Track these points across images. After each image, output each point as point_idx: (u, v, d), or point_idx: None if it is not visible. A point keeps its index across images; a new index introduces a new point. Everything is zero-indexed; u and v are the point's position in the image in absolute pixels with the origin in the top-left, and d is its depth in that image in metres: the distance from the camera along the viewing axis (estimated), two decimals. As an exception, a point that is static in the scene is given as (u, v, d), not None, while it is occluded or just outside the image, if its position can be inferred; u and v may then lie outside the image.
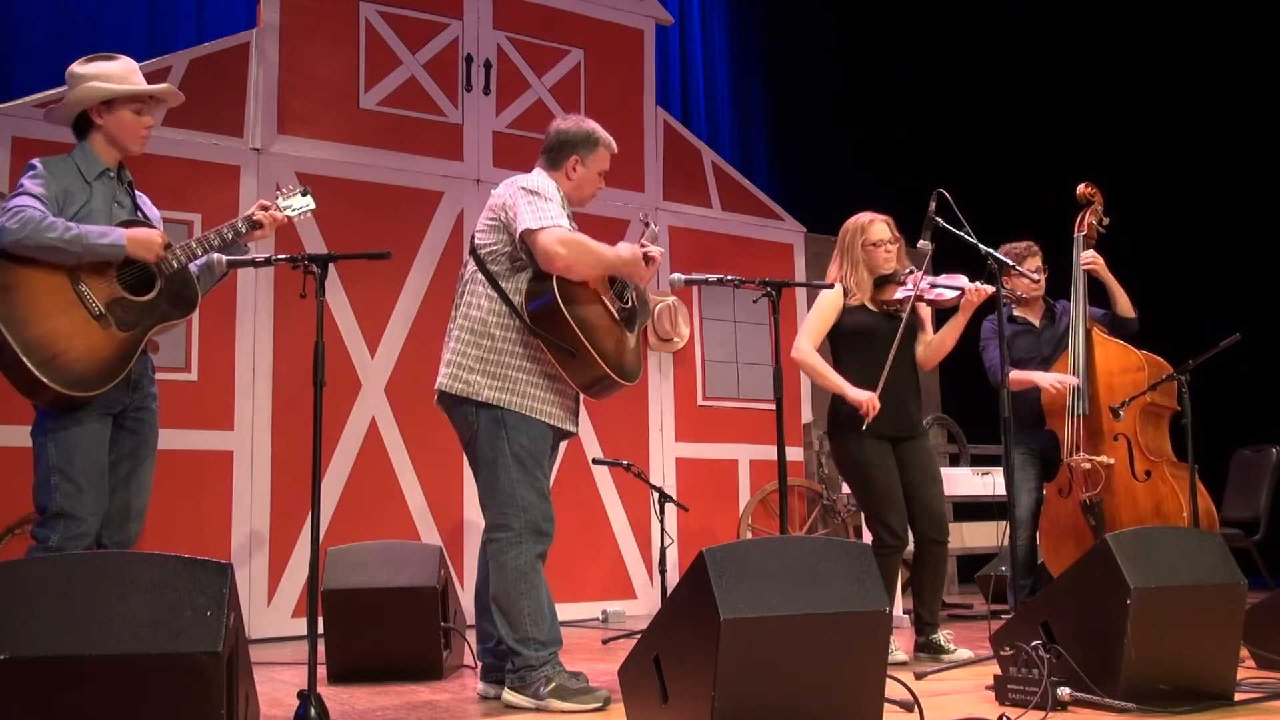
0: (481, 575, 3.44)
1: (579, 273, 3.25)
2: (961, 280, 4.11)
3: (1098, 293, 4.73)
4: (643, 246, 3.42)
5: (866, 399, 3.99)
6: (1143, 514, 4.34)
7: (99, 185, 3.20)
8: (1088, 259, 4.63)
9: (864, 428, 3.99)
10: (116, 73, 3.24)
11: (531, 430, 3.28)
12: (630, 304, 3.47)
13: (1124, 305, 4.67)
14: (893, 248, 4.24)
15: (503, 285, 3.31)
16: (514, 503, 3.23)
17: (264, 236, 3.45)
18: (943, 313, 4.27)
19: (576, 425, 3.48)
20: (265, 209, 3.42)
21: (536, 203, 3.26)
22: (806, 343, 4.19)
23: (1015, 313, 4.83)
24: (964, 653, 4.03)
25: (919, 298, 4.11)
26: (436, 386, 3.39)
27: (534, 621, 3.19)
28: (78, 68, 3.23)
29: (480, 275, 3.36)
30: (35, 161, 3.14)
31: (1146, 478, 4.38)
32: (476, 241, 3.40)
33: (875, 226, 4.24)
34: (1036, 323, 4.81)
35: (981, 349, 4.72)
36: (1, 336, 2.93)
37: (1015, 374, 4.53)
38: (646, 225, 3.67)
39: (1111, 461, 4.44)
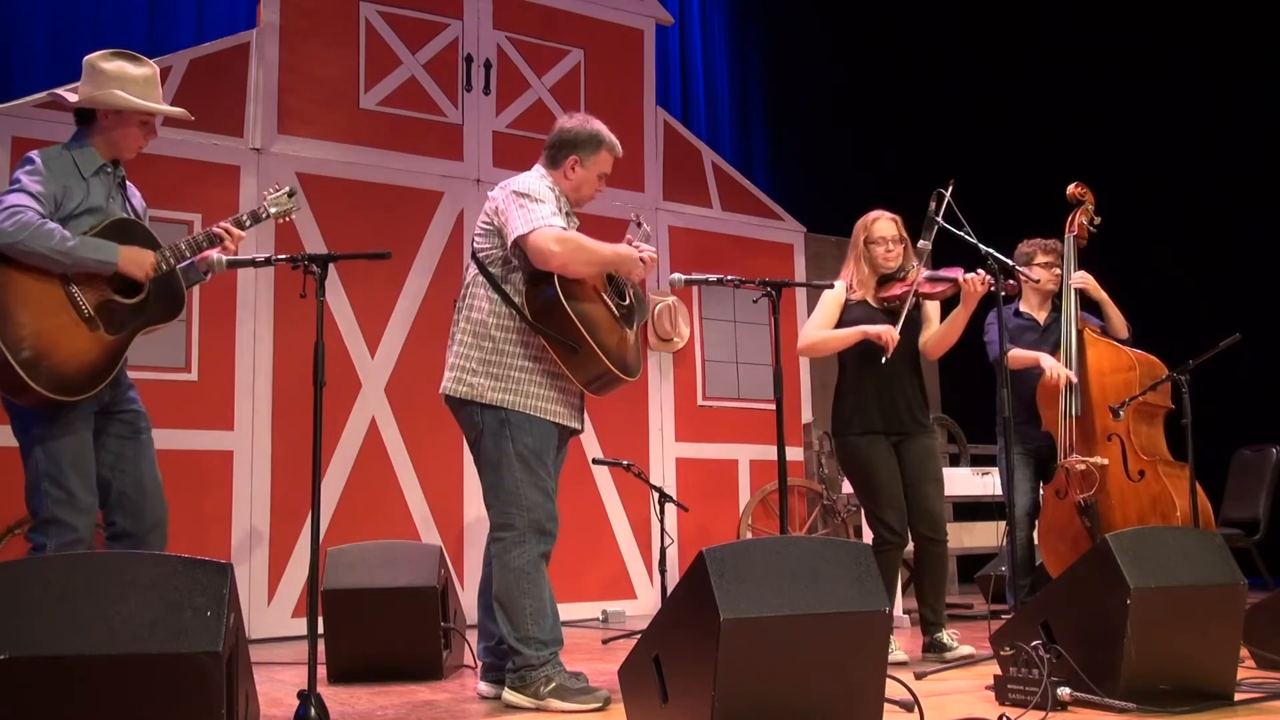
0: (487, 573, 3.44)
1: (575, 270, 3.25)
2: (957, 272, 4.12)
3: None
4: (635, 248, 3.43)
5: (885, 330, 4.00)
6: (1137, 514, 4.33)
7: (95, 181, 3.19)
8: (1078, 280, 4.60)
9: (884, 360, 4.00)
10: (137, 81, 3.22)
11: (536, 430, 3.29)
12: (629, 302, 3.48)
13: (1117, 324, 4.65)
14: (896, 247, 4.23)
15: (503, 287, 3.32)
16: (518, 502, 3.24)
17: (231, 249, 3.38)
18: (951, 307, 4.26)
19: (582, 423, 3.48)
20: (228, 231, 3.35)
21: (527, 205, 3.26)
22: (808, 331, 4.23)
23: (1021, 308, 4.84)
24: (965, 648, 4.04)
25: (916, 292, 4.12)
26: (441, 391, 3.39)
27: (535, 621, 3.19)
28: (101, 62, 3.20)
29: (481, 278, 3.37)
30: (33, 155, 3.12)
31: (1140, 478, 4.38)
32: (475, 246, 3.42)
33: (880, 224, 4.25)
34: (1041, 320, 4.82)
35: (985, 331, 4.73)
36: None
37: (1019, 351, 4.57)
38: (639, 225, 3.67)
39: (1105, 462, 4.44)
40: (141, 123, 3.25)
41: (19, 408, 3.07)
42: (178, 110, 3.42)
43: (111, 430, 3.22)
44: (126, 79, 3.20)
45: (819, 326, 4.23)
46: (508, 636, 3.21)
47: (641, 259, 3.41)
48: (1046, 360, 4.56)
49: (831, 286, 4.21)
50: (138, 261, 3.13)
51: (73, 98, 3.24)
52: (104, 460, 3.18)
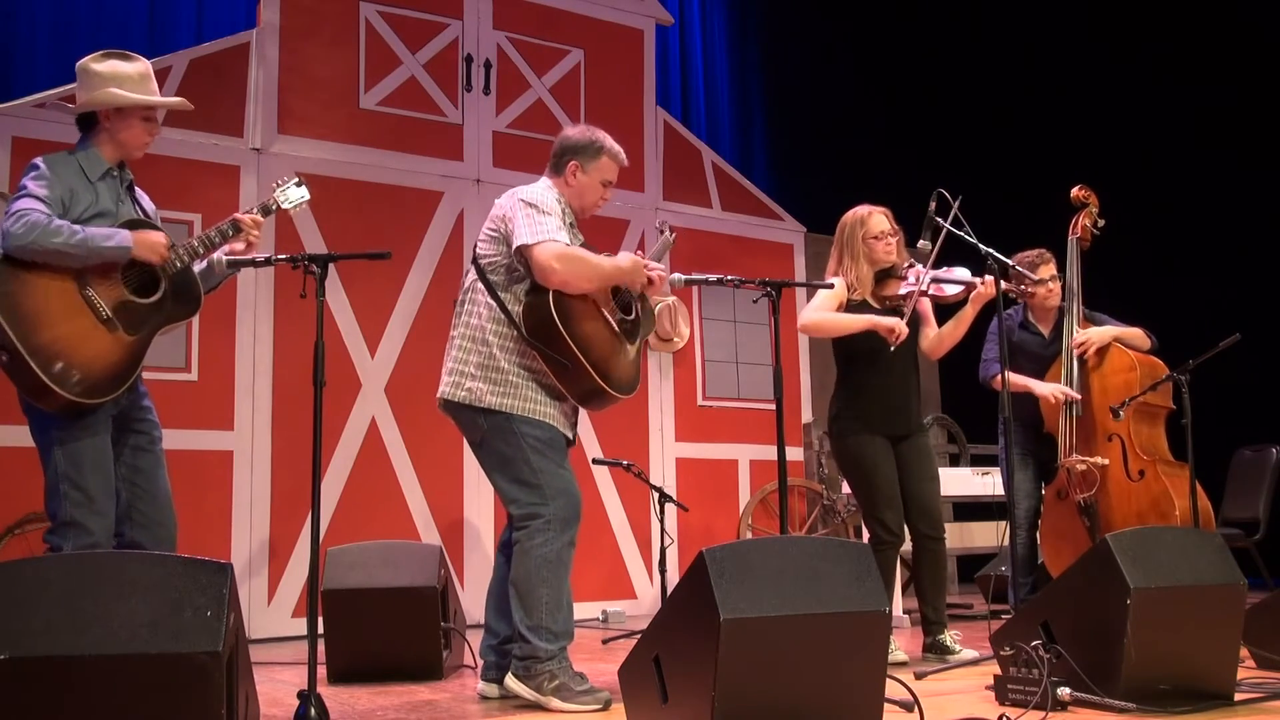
0: (499, 574, 3.45)
1: (576, 286, 3.26)
2: (964, 274, 4.09)
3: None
4: (644, 263, 3.43)
5: (895, 322, 3.94)
6: (1136, 514, 4.34)
7: (103, 185, 3.18)
8: (1078, 344, 4.56)
9: (892, 349, 3.94)
10: (132, 77, 3.20)
11: (541, 425, 3.30)
12: (635, 315, 3.47)
13: (1138, 344, 4.60)
14: (893, 240, 4.20)
15: (501, 295, 3.33)
16: (542, 492, 3.24)
17: (253, 243, 3.32)
18: (945, 306, 4.24)
19: (574, 434, 3.49)
20: (255, 221, 3.32)
21: (535, 216, 3.27)
22: (812, 311, 4.14)
23: (1029, 318, 4.82)
24: (969, 653, 4.02)
25: (922, 293, 4.10)
26: (439, 396, 3.39)
27: (550, 611, 3.19)
28: (93, 64, 3.19)
29: (480, 285, 3.37)
30: (38, 161, 3.11)
31: (1140, 477, 4.39)
32: (478, 251, 3.43)
33: (875, 219, 4.21)
34: (1046, 334, 4.79)
35: (985, 344, 4.71)
36: (10, 343, 2.91)
37: (1012, 377, 4.54)
38: (662, 231, 3.69)
39: (1106, 462, 4.44)
40: (144, 118, 3.23)
41: (39, 410, 3.05)
42: (177, 100, 3.40)
43: (129, 441, 3.21)
44: (121, 77, 3.18)
45: (821, 309, 4.14)
46: (519, 623, 3.21)
47: (649, 277, 3.41)
48: (1040, 388, 4.55)
49: (831, 286, 4.19)
50: (151, 244, 3.11)
51: (72, 108, 3.23)
52: (118, 471, 3.17)
